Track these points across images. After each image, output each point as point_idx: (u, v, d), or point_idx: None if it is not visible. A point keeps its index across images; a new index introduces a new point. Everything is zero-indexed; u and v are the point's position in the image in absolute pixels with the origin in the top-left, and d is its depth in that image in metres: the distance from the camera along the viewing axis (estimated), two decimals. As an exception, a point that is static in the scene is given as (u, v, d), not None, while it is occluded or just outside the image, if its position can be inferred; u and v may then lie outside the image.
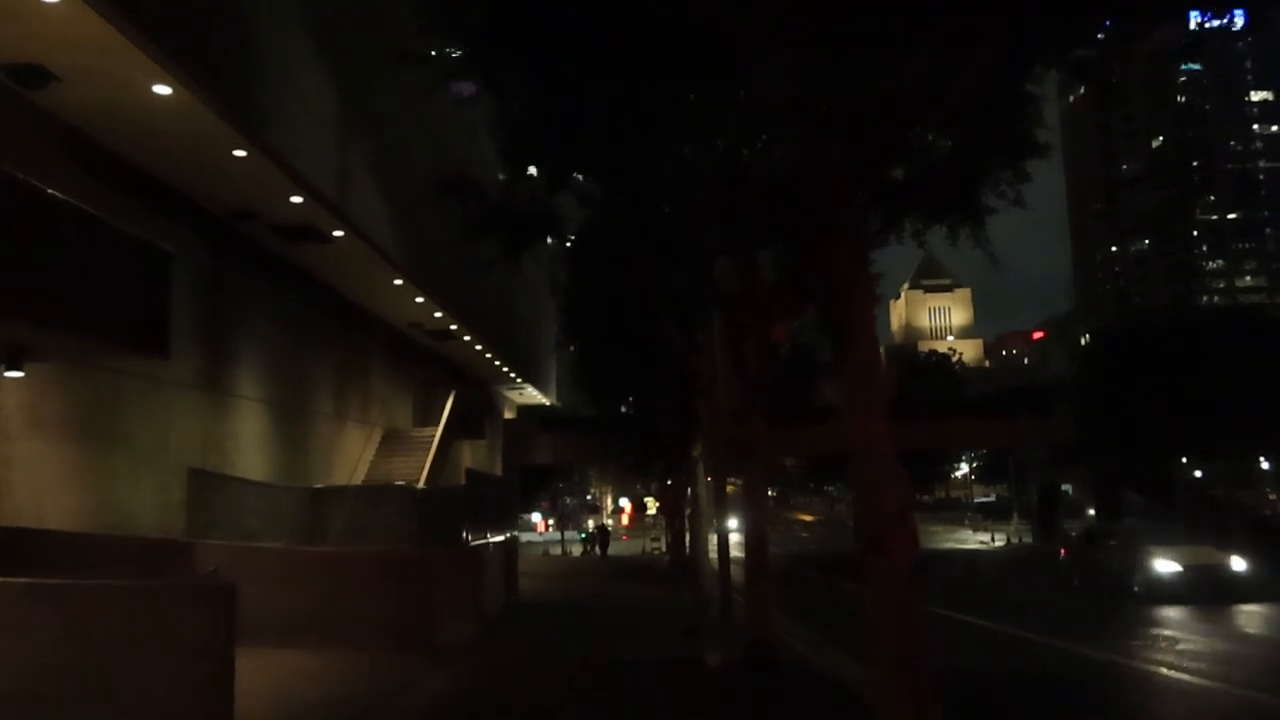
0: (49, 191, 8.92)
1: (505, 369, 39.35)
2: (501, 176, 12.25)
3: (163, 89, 11.58)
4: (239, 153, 13.76)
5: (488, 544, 14.50)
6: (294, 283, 20.26)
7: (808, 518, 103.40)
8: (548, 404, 55.60)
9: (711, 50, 7.24)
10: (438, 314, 26.53)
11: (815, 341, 20.60)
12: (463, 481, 18.56)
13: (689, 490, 28.78)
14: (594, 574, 30.14)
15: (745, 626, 11.83)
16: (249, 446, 17.83)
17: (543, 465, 53.67)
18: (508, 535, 16.49)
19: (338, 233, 18.06)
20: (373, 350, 26.10)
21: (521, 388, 46.91)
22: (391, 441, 26.12)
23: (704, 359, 14.62)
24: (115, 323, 10.23)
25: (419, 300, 24.50)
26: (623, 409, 35.88)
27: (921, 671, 5.45)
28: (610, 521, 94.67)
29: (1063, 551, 25.82)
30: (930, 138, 11.81)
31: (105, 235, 9.99)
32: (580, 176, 12.12)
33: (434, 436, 25.51)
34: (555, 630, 14.23)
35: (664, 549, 46.72)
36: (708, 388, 14.93)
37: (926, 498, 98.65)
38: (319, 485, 18.00)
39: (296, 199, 15.96)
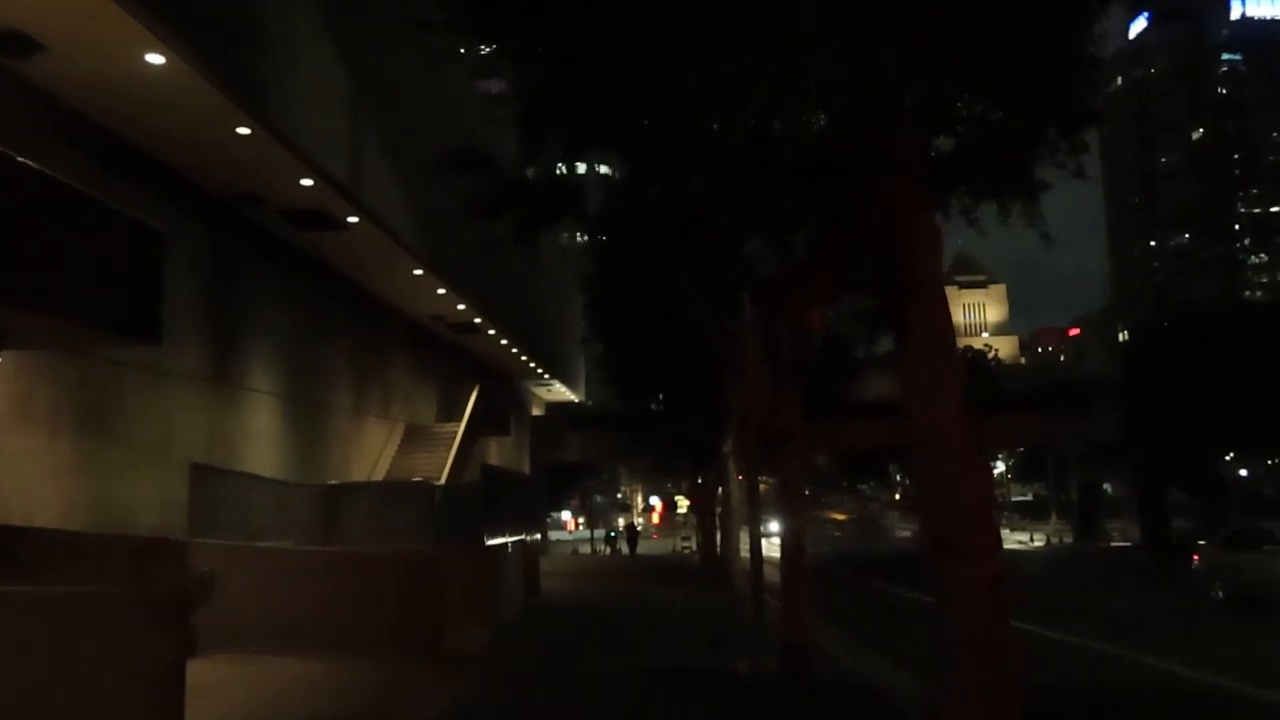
0: (20, 160, 8.20)
1: (532, 365, 38.65)
2: (517, 150, 11.42)
3: (156, 58, 10.88)
4: (242, 130, 13.05)
5: (505, 544, 13.69)
6: (309, 273, 19.59)
7: (840, 516, 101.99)
8: (576, 401, 54.92)
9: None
10: (461, 306, 25.82)
11: (851, 331, 19.59)
12: (507, 475, 17.55)
13: (720, 489, 27.90)
14: (622, 574, 29.36)
15: (779, 632, 10.97)
16: (260, 441, 17.17)
17: (571, 463, 52.89)
18: (530, 536, 15.63)
19: (352, 219, 17.35)
20: (394, 344, 25.43)
21: (549, 384, 46.22)
22: (414, 438, 25.45)
23: (735, 347, 13.71)
24: (101, 305, 9.50)
25: (440, 292, 23.79)
26: (652, 406, 34.98)
27: (1010, 701, 4.51)
28: (641, 520, 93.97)
29: (1195, 558, 21.17)
30: (980, 108, 10.94)
31: (90, 212, 9.27)
32: (602, 150, 11.26)
33: (457, 432, 24.82)
34: (574, 636, 13.39)
35: (694, 548, 45.91)
36: (738, 376, 14.04)
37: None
38: (333, 482, 17.31)
39: (306, 181, 15.25)
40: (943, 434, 4.84)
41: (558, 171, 11.41)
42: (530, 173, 11.24)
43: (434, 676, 9.40)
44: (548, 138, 11.33)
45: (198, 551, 10.04)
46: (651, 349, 23.17)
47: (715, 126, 10.97)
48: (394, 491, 15.56)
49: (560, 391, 49.84)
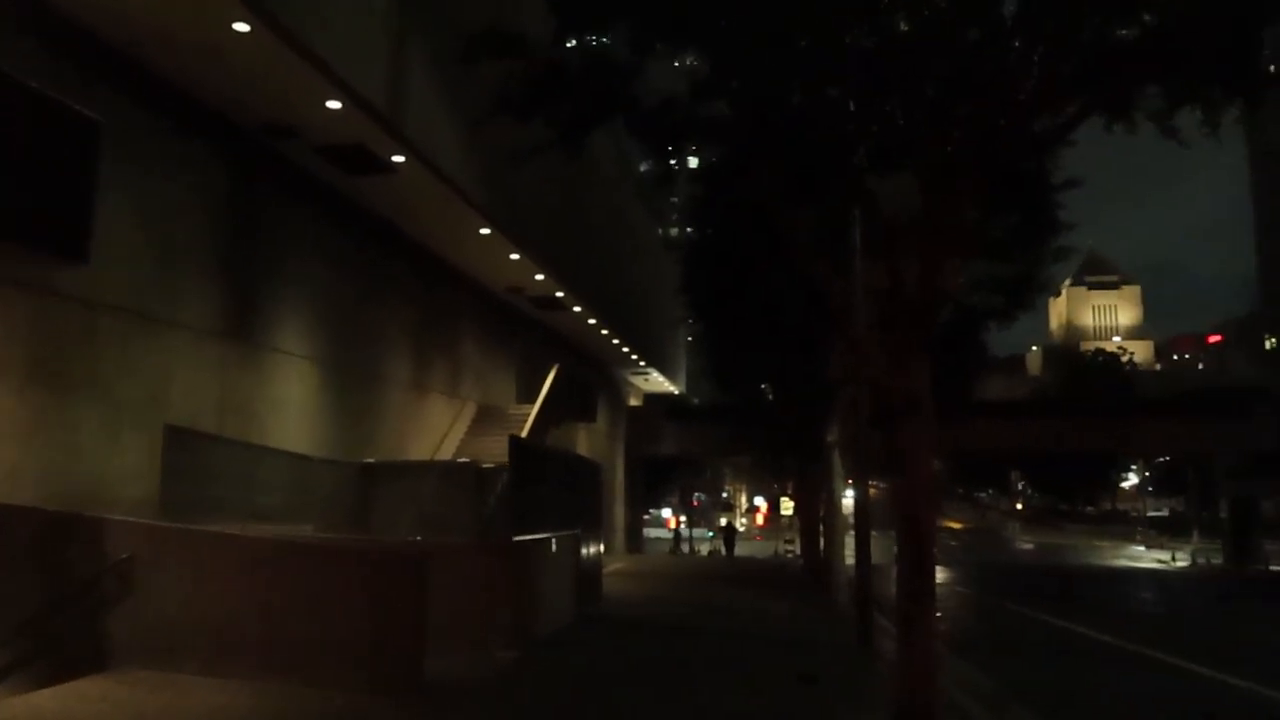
0: None
1: (625, 349, 36.16)
2: (557, 28, 8.77)
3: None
4: (240, 26, 10.76)
5: (547, 540, 10.97)
6: (360, 226, 17.41)
7: (956, 525, 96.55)
8: (676, 393, 52.26)
9: None
10: (539, 277, 23.42)
11: (985, 303, 16.33)
12: (553, 457, 14.57)
13: (825, 491, 24.67)
14: (713, 577, 26.53)
15: (890, 666, 8.07)
16: (289, 411, 15.01)
17: (669, 457, 50.26)
18: (588, 530, 12.78)
19: (397, 158, 15.02)
20: (465, 315, 23.18)
21: (646, 372, 43.69)
22: (485, 419, 23.15)
23: (845, 307, 10.68)
24: (3, 212, 7.28)
25: (514, 257, 21.39)
26: (751, 397, 32.02)
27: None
28: (744, 521, 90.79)
29: None
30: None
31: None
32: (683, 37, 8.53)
33: (530, 414, 22.40)
34: (624, 661, 10.47)
35: (797, 552, 42.71)
36: (848, 344, 11.09)
37: (1090, 509, 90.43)
38: (369, 460, 15.04)
39: (333, 104, 12.95)
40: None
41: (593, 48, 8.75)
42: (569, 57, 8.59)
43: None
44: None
45: (115, 532, 7.74)
46: (750, 323, 20.31)
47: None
48: (435, 472, 13.13)
49: (658, 382, 47.24)
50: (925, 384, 7.19)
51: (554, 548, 11.45)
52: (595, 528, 14.90)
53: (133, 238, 11.59)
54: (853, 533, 22.09)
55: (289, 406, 15.00)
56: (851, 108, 8.96)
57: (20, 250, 7.57)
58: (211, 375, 13.06)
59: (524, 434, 21.05)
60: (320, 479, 13.59)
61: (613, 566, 27.10)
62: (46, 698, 6.77)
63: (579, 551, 12.57)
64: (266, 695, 6.94)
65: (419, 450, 19.67)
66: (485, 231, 19.25)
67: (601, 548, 15.05)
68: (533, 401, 23.88)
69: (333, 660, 7.14)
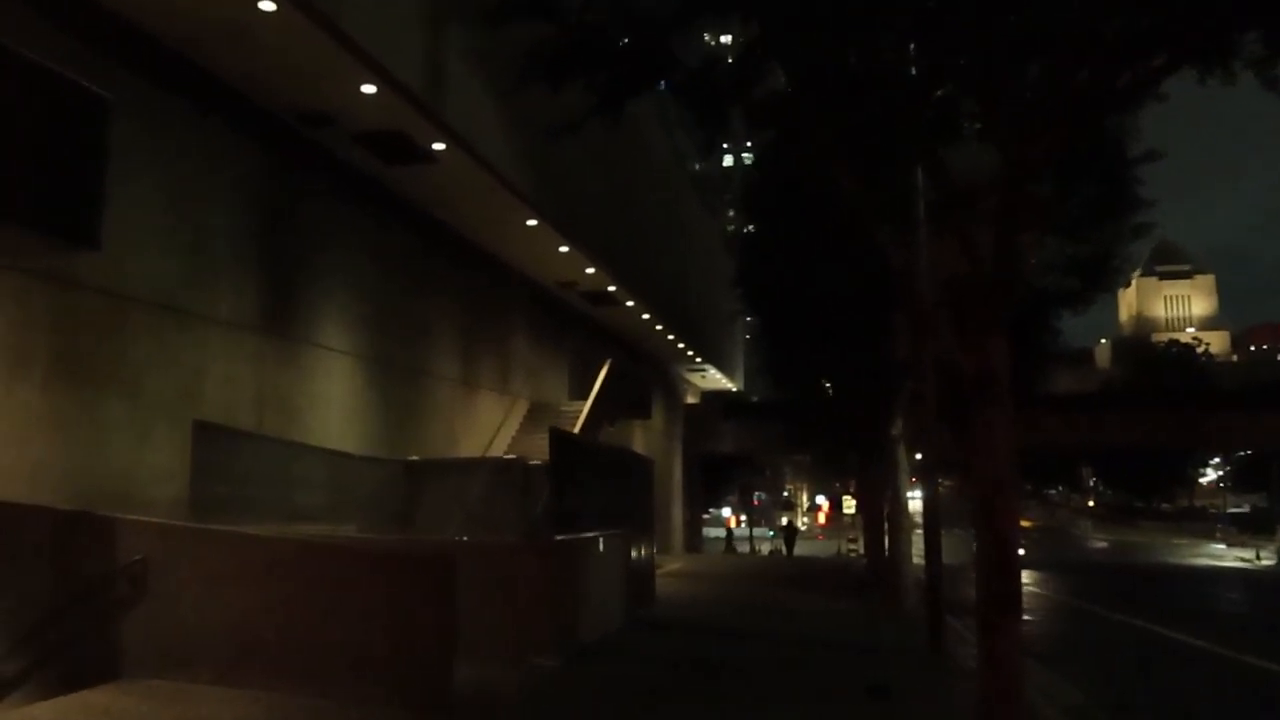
0: None
1: (680, 345, 35.44)
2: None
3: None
4: (265, 6, 10.31)
5: (593, 538, 10.29)
6: (404, 219, 16.97)
7: (1026, 523, 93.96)
8: (733, 390, 51.39)
9: None
10: (590, 270, 22.84)
11: (1060, 285, 15.26)
12: (599, 452, 13.85)
13: (889, 487, 23.66)
14: (774, 578, 25.71)
15: (969, 686, 7.27)
16: (332, 408, 14.60)
17: (727, 455, 49.40)
18: (639, 528, 12.09)
19: (438, 146, 14.51)
20: (515, 311, 22.68)
21: (703, 369, 42.92)
22: (537, 416, 22.62)
23: (910, 283, 9.89)
24: (12, 198, 6.86)
25: (563, 250, 20.83)
26: (809, 391, 31.07)
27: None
28: (806, 520, 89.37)
29: None
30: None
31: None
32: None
33: (583, 411, 21.84)
34: (676, 669, 9.73)
35: (861, 551, 41.60)
36: (913, 324, 10.30)
37: (1167, 505, 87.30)
38: (414, 457, 14.55)
39: (368, 89, 12.47)
40: None
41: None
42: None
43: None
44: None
45: (127, 532, 7.26)
46: (808, 314, 19.47)
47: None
48: (480, 469, 12.57)
49: (715, 379, 46.44)
50: (1003, 362, 6.39)
51: (600, 547, 10.79)
52: (647, 526, 14.23)
53: (164, 228, 11.24)
54: (919, 531, 21.19)
55: (331, 403, 14.59)
56: (915, 69, 8.18)
57: (25, 235, 7.13)
58: (248, 370, 12.68)
59: (576, 430, 20.52)
60: (362, 477, 13.13)
61: (670, 567, 26.43)
62: (46, 710, 6.33)
63: (629, 551, 11.90)
64: (280, 709, 6.39)
65: (469, 448, 19.20)
66: (532, 223, 18.71)
67: (654, 547, 14.37)
68: (586, 398, 23.31)
69: (353, 670, 6.57)
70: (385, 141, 14.29)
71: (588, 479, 10.34)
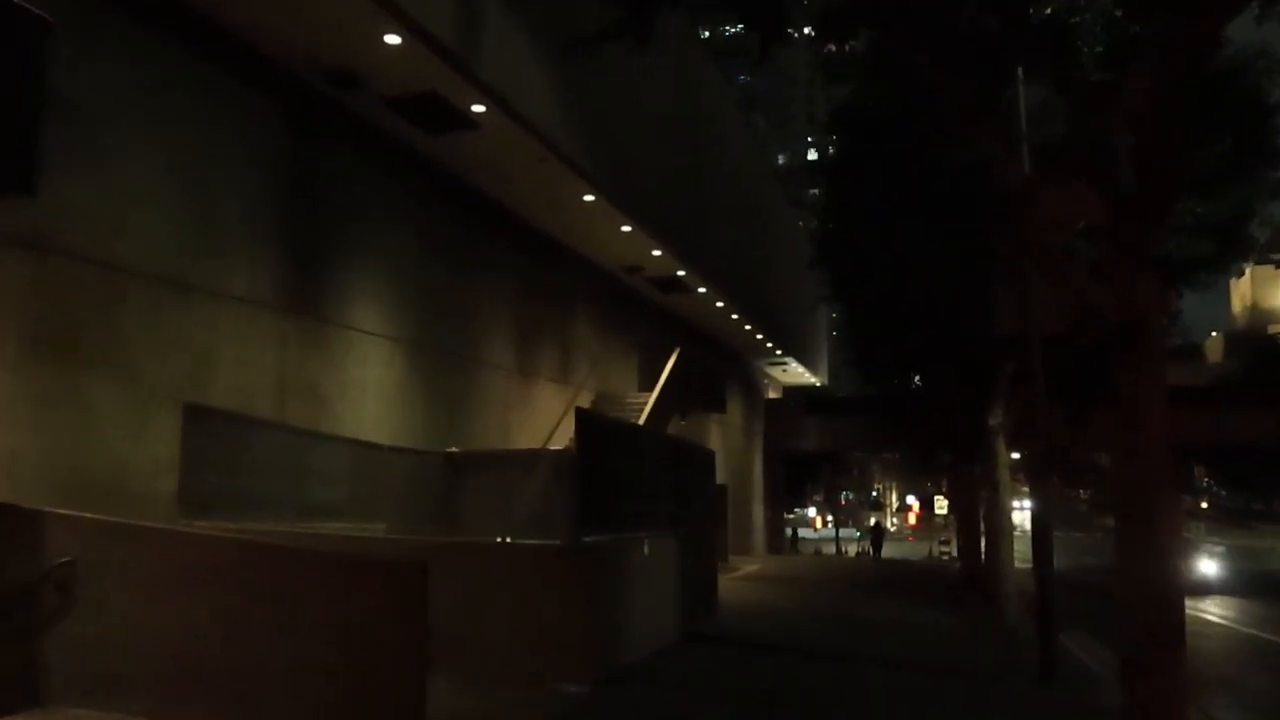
0: None
1: (759, 336, 33.76)
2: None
3: None
4: (265, -65, 9.15)
5: (636, 540, 8.75)
6: (447, 192, 15.79)
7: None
8: (817, 384, 49.38)
9: None
10: (657, 253, 21.42)
11: (1184, 250, 13.22)
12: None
13: (987, 484, 21.60)
14: (859, 583, 23.88)
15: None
16: (368, 396, 13.46)
17: (809, 452, 47.42)
18: (683, 529, 10.41)
19: (477, 108, 13.26)
20: (577, 297, 21.38)
21: (783, 362, 41.12)
22: (602, 407, 21.29)
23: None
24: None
25: (626, 229, 19.45)
26: (896, 382, 29.14)
27: None
28: (895, 520, 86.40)
29: None
30: None
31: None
32: None
33: (648, 402, 20.44)
34: (727, 707, 7.93)
35: (953, 554, 39.28)
36: (1022, 283, 8.58)
37: (1258, 506, 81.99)
38: (453, 449, 13.32)
39: (392, 38, 11.27)
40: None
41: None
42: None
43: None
44: None
45: (57, 530, 6.05)
46: (895, 291, 17.69)
47: None
48: (535, 463, 11.19)
49: (797, 373, 44.57)
50: (1156, 305, 4.75)
51: (645, 550, 9.31)
52: (707, 525, 12.72)
53: (167, 194, 10.18)
54: (1018, 531, 19.20)
55: (366, 390, 13.46)
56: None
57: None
58: (268, 354, 11.58)
59: (641, 422, 19.10)
60: (394, 470, 11.93)
61: (746, 569, 24.86)
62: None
63: (684, 554, 10.40)
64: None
65: (525, 441, 17.94)
66: (589, 198, 17.36)
67: (715, 549, 12.85)
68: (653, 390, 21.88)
69: (305, 696, 5.26)
70: (420, 105, 13.09)
71: (630, 471, 8.88)
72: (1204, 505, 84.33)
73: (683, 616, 10.27)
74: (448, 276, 15.80)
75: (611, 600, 8.26)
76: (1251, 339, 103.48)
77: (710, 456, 12.64)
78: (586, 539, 7.77)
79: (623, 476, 8.65)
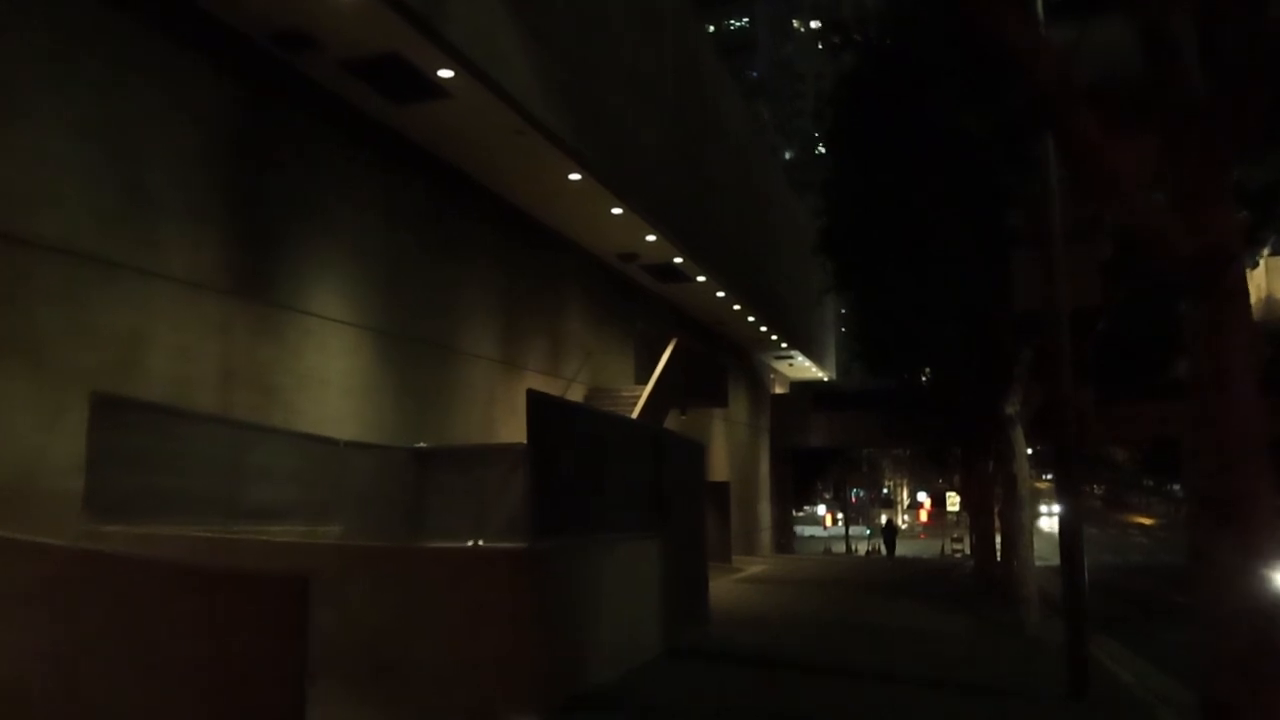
0: None
1: (764, 328, 32.63)
2: None
3: None
4: None
5: (606, 542, 7.52)
6: (421, 169, 14.73)
7: (1146, 521, 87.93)
8: (825, 379, 48.22)
9: None
10: (651, 237, 20.33)
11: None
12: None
13: (1003, 476, 20.36)
14: (869, 583, 22.74)
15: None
16: (330, 387, 12.41)
17: (816, 448, 46.30)
18: (664, 529, 9.10)
19: (444, 73, 12.18)
20: (568, 286, 20.31)
21: (789, 356, 39.99)
22: (594, 402, 20.22)
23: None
24: None
25: (616, 212, 18.38)
26: (906, 371, 27.95)
27: None
28: (907, 518, 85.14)
29: None
30: None
31: None
32: None
33: (642, 395, 19.34)
34: None
35: (967, 551, 38.07)
36: (1043, 250, 7.48)
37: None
38: (422, 444, 12.26)
39: (341, -11, 10.21)
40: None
41: None
42: None
43: None
44: None
45: None
46: (901, 271, 16.56)
47: None
48: (481, 457, 10.11)
49: (804, 367, 43.42)
50: (1237, 235, 3.65)
51: (619, 554, 8.14)
52: (698, 525, 11.60)
53: (85, 162, 9.12)
54: (1035, 526, 17.99)
55: (328, 382, 12.40)
56: None
57: None
58: (211, 340, 10.52)
59: (634, 415, 17.99)
60: (353, 468, 10.85)
61: (750, 571, 23.76)
62: None
63: (669, 558, 9.25)
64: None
65: (510, 437, 16.85)
66: (575, 177, 16.28)
67: (705, 551, 11.71)
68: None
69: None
70: (381, 70, 12.02)
71: (599, 464, 7.76)
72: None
73: (667, 628, 9.11)
74: (422, 261, 14.74)
75: (576, 612, 7.12)
76: (1266, 331, 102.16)
77: (700, 449, 11.53)
78: (544, 542, 6.68)
79: (591, 470, 7.54)
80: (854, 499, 78.69)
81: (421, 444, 12.27)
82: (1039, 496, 22.39)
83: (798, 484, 51.58)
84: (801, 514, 73.52)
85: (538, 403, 6.87)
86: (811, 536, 65.93)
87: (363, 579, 6.63)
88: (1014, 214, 11.15)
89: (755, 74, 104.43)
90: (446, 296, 15.49)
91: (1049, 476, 47.52)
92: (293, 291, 11.89)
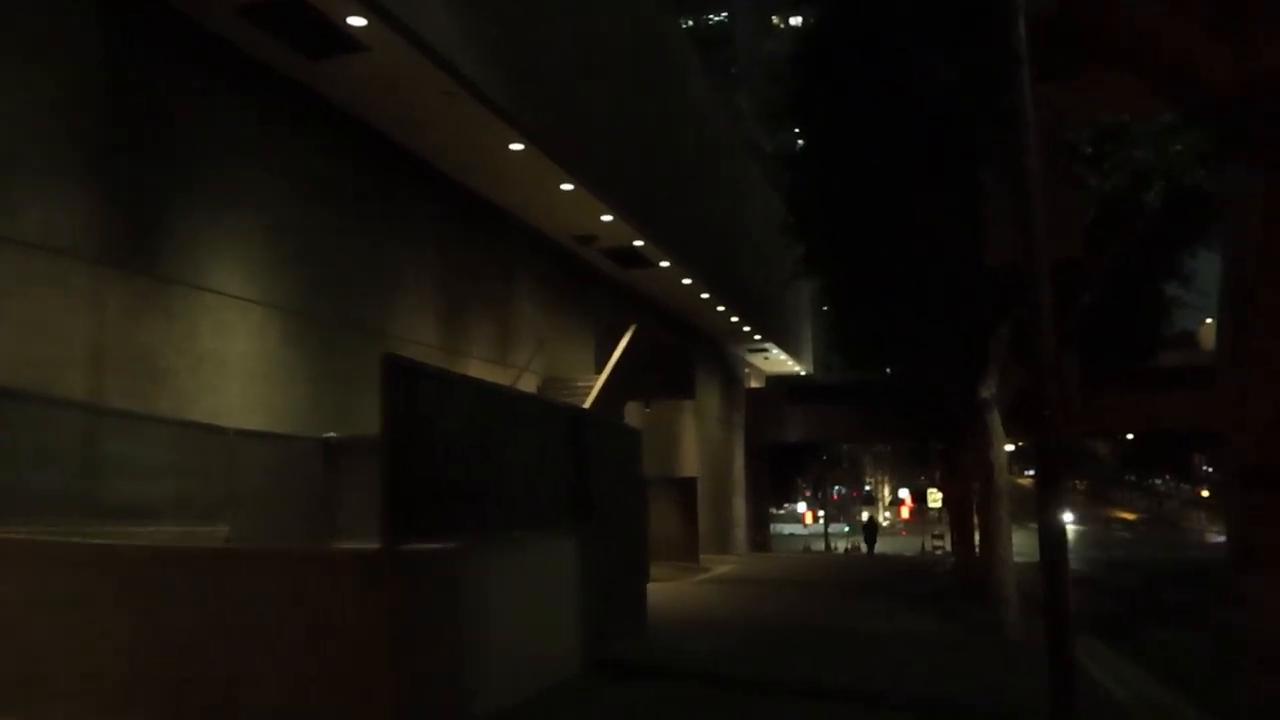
0: None
1: (735, 319, 31.48)
2: None
3: None
4: None
5: (496, 546, 6.27)
6: (344, 136, 13.50)
7: (1129, 516, 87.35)
8: (802, 373, 47.10)
9: None
10: (607, 217, 19.13)
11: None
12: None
13: (981, 467, 19.18)
14: (845, 583, 21.57)
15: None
16: (229, 372, 11.13)
17: (793, 444, 45.24)
18: (581, 528, 7.79)
19: (356, 20, 10.93)
20: (518, 269, 19.09)
21: (764, 348, 38.84)
22: (550, 391, 18.98)
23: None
24: None
25: (567, 187, 17.16)
26: (886, 369, 26.80)
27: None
28: (888, 515, 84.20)
29: None
30: None
31: None
32: None
33: (595, 385, 18.11)
34: None
35: (947, 547, 37.06)
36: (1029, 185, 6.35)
37: None
38: (332, 434, 10.99)
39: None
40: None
41: None
42: None
43: None
44: None
45: None
46: (870, 221, 15.33)
47: None
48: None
49: (780, 360, 42.30)
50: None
51: (522, 556, 6.85)
52: (637, 522, 10.36)
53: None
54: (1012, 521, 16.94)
55: (227, 366, 11.12)
56: None
57: None
58: (78, 316, 9.24)
59: (587, 405, 16.74)
60: (246, 461, 9.59)
61: (718, 571, 22.54)
62: None
63: (592, 560, 7.98)
64: None
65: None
66: (517, 147, 15.07)
67: (642, 551, 10.48)
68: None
69: None
70: (285, 16, 10.77)
71: (494, 450, 6.51)
72: (1204, 494, 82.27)
73: (589, 640, 7.86)
74: (344, 236, 13.47)
75: (459, 626, 5.86)
76: None
77: (636, 436, 10.29)
78: (408, 543, 5.46)
79: (481, 457, 6.32)
80: (835, 495, 77.70)
81: (331, 434, 11.02)
82: (1023, 499, 21.33)
83: (777, 481, 50.46)
84: (782, 512, 72.43)
85: (398, 370, 5.62)
86: (791, 534, 64.87)
87: (188, 590, 5.40)
88: (987, 171, 9.94)
89: (733, 71, 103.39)
90: (377, 277, 14.23)
91: (1031, 473, 46.48)
92: (184, 264, 10.60)
